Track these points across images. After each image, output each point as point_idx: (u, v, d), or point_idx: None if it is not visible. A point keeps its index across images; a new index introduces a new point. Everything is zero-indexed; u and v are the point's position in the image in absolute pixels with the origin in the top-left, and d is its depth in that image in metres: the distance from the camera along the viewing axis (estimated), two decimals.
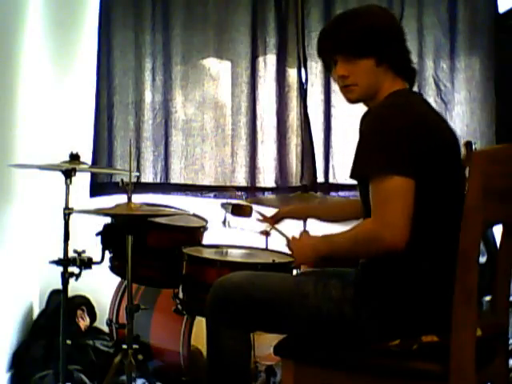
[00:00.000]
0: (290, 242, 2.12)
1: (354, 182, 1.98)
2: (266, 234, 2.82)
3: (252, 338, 2.26)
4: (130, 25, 3.62)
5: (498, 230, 2.13)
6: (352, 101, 2.04)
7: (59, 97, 3.65)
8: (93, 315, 3.53)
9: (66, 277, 2.68)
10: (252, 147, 3.65)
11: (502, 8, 3.64)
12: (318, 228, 3.27)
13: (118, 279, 3.11)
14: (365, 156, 1.87)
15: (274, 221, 2.45)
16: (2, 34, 3.06)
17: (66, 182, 2.72)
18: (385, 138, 1.83)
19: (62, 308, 2.74)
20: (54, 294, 3.46)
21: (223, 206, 2.80)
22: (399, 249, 1.78)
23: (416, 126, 1.85)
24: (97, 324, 3.53)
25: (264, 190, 3.64)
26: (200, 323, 2.80)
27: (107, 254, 2.67)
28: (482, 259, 2.83)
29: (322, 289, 1.95)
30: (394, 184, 1.80)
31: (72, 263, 2.67)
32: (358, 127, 1.96)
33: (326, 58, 2.09)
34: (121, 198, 2.64)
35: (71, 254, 2.68)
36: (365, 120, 1.96)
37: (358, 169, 1.89)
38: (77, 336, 3.27)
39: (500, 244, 2.05)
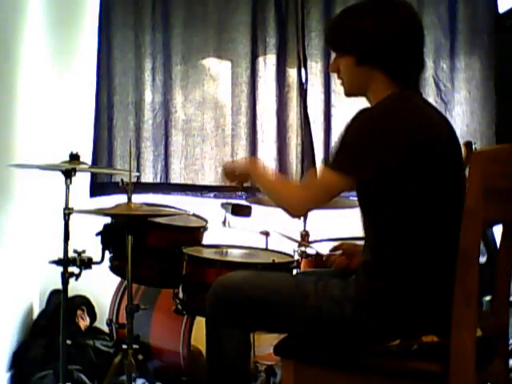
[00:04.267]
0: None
1: None
2: (266, 234, 2.83)
3: (252, 338, 2.26)
4: (129, 24, 3.62)
5: (498, 230, 2.13)
6: (346, 95, 2.11)
7: (59, 97, 3.65)
8: (93, 315, 3.53)
9: (66, 277, 2.68)
10: (252, 147, 3.65)
11: (502, 8, 3.64)
12: (318, 228, 3.29)
13: (118, 279, 3.11)
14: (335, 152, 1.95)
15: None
16: (1, 33, 3.06)
17: (66, 182, 2.72)
18: (357, 139, 1.88)
19: (61, 308, 2.74)
20: (54, 294, 3.46)
21: (223, 205, 2.80)
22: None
23: (399, 133, 1.85)
24: (97, 324, 3.53)
25: None
26: (200, 323, 2.80)
27: (107, 254, 2.67)
28: (482, 259, 2.83)
29: (323, 289, 1.95)
30: (335, 179, 1.91)
31: (72, 263, 2.67)
32: None
33: None
34: (121, 198, 2.64)
35: (71, 254, 2.67)
36: (353, 119, 1.95)
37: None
38: (77, 336, 3.27)
39: (500, 244, 2.05)
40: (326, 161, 2.03)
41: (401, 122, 1.88)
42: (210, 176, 3.66)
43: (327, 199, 1.98)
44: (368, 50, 1.94)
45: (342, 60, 2.01)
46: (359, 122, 1.91)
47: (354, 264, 2.19)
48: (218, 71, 3.70)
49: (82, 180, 3.26)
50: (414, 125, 1.88)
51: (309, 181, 2.15)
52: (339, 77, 2.06)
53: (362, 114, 1.93)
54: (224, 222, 2.81)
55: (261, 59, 3.66)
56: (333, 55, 2.10)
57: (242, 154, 3.64)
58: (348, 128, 1.92)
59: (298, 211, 2.06)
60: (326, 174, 1.95)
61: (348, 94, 2.08)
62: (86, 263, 2.66)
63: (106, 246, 2.65)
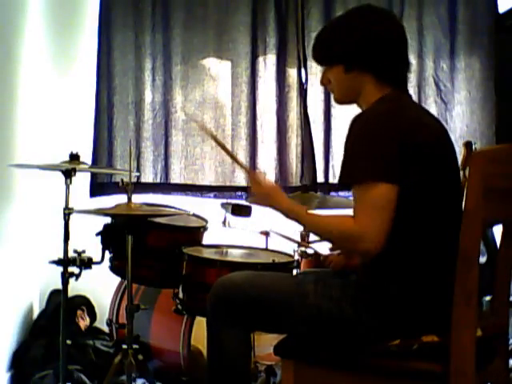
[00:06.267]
0: (252, 178, 2.15)
1: None
2: (266, 234, 2.83)
3: (252, 338, 2.26)
4: (129, 25, 3.62)
5: (498, 230, 2.13)
6: (338, 103, 2.14)
7: (59, 97, 3.65)
8: (93, 315, 3.53)
9: (66, 277, 2.68)
10: (252, 147, 3.65)
11: (502, 8, 3.64)
12: None
13: (118, 279, 3.11)
14: (352, 163, 1.89)
15: None
16: (2, 34, 3.06)
17: (66, 182, 2.72)
18: (370, 144, 1.85)
19: (62, 308, 2.74)
20: (54, 294, 3.46)
21: (223, 205, 2.80)
22: (372, 256, 1.85)
23: (401, 132, 1.85)
24: (97, 324, 3.53)
25: None
26: (200, 323, 2.80)
27: (107, 254, 2.67)
28: (482, 259, 2.83)
29: (323, 288, 1.95)
30: (380, 191, 1.82)
31: (72, 263, 2.67)
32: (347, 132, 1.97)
33: None
34: (121, 198, 2.64)
35: (71, 254, 2.68)
36: (352, 126, 1.95)
37: (346, 176, 1.91)
38: (77, 336, 3.27)
39: (500, 244, 2.05)
40: (354, 180, 1.89)
41: (403, 121, 1.89)
42: (210, 176, 3.66)
43: (388, 216, 1.81)
44: (353, 55, 1.97)
45: (331, 71, 2.04)
46: (365, 126, 1.90)
47: (352, 264, 2.19)
48: (218, 71, 3.70)
49: (82, 180, 3.27)
50: (414, 125, 1.89)
51: (357, 209, 1.86)
52: (330, 89, 2.10)
53: (362, 118, 1.93)
54: (224, 222, 2.82)
55: (261, 59, 3.66)
56: None
57: (242, 153, 3.64)
58: (356, 136, 1.91)
59: (372, 241, 1.81)
60: (371, 191, 1.83)
61: (339, 102, 2.12)
62: (86, 263, 2.67)
63: (106, 245, 2.65)
